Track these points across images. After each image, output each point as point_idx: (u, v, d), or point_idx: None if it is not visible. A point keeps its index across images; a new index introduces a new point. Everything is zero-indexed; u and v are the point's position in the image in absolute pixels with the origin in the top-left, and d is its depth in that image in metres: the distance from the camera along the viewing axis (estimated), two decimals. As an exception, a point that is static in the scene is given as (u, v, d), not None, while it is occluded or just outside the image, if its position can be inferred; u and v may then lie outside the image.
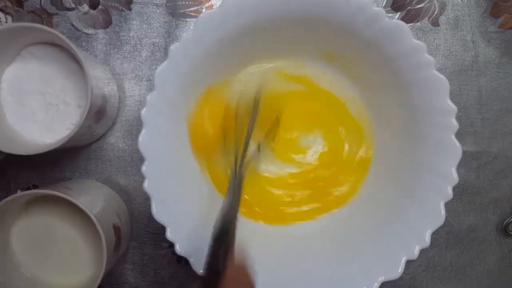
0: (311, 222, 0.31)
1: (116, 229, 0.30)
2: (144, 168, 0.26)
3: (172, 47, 0.26)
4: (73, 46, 0.27)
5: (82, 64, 0.27)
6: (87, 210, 0.27)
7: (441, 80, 0.27)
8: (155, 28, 0.35)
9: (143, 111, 0.26)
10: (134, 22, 0.35)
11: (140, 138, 0.26)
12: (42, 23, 0.35)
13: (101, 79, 0.31)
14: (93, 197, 0.30)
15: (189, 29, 0.34)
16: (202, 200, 0.30)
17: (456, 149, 0.27)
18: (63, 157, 0.35)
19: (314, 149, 0.33)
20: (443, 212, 0.28)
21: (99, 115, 0.30)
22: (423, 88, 0.28)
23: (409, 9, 0.36)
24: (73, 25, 0.35)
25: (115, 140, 0.35)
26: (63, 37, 0.27)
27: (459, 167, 0.27)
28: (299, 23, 0.28)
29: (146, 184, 0.26)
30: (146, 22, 0.35)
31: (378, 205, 0.30)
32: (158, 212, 0.27)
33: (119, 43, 0.35)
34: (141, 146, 0.26)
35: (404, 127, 0.29)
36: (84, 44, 0.35)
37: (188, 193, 0.29)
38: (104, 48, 0.35)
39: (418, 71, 0.28)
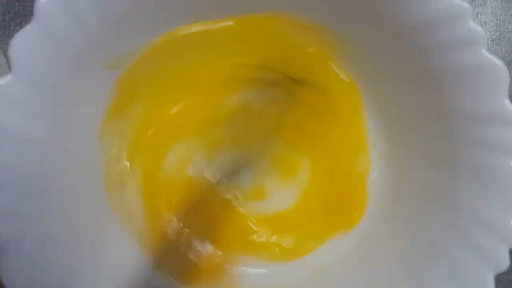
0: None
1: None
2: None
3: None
4: None
5: None
6: None
7: (496, 68, 0.16)
8: (70, -10, 0.25)
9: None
10: (42, -19, 0.25)
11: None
12: None
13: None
14: None
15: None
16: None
17: (517, 185, 0.16)
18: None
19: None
20: (492, 291, 0.16)
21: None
22: (465, 81, 0.16)
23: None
24: (-39, -14, 0.25)
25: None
26: None
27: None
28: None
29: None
30: (59, -19, 0.25)
31: (386, 270, 0.19)
32: (13, 272, 0.16)
33: (22, 11, 0.25)
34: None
35: (430, 146, 0.18)
36: (-25, 13, 0.25)
37: (78, 241, 0.18)
38: (1, 18, 0.25)
39: (457, 51, 0.16)
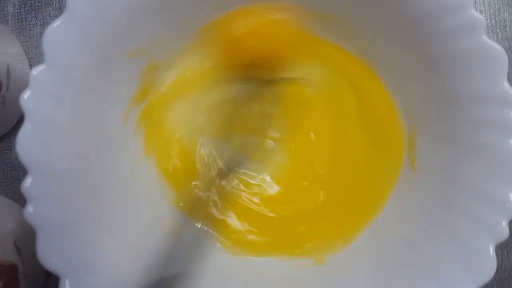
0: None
1: (9, 269, 0.21)
2: (26, 185, 0.17)
3: (71, -6, 0.17)
4: None
5: None
6: None
7: (495, 52, 0.17)
8: (85, -16, 0.25)
9: (25, 96, 0.17)
10: (58, -26, 0.25)
11: (19, 138, 0.17)
12: None
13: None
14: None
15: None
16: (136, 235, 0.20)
17: (515, 161, 0.18)
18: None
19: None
20: (492, 260, 0.18)
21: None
22: (467, 65, 0.18)
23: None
24: (-24, -20, 0.26)
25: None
26: None
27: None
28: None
29: (29, 210, 0.17)
30: (73, -25, 0.25)
31: (388, 246, 0.20)
32: (48, 252, 0.17)
33: (37, 4, 0.26)
34: (22, 151, 0.17)
35: (434, 125, 0.19)
36: (-10, 6, 0.26)
37: (109, 222, 0.19)
38: (18, 11, 0.26)
39: (458, 38, 0.18)
